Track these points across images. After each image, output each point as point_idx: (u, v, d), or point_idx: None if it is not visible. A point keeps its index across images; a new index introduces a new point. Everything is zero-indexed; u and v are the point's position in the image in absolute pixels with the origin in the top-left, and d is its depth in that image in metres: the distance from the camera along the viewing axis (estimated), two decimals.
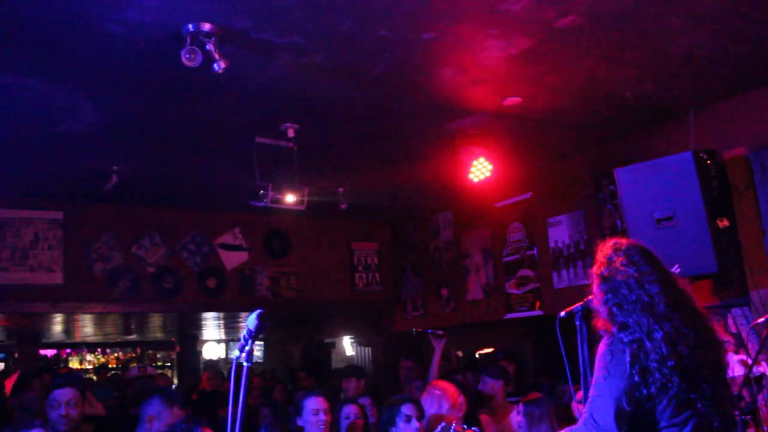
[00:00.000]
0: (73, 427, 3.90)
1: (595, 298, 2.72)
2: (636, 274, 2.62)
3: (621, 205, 5.40)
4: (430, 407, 4.47)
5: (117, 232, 7.89)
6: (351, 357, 12.86)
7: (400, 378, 7.20)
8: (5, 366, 16.08)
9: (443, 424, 2.97)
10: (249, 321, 2.45)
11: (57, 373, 7.92)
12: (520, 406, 4.09)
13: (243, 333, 2.47)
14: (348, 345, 13.04)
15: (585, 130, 6.01)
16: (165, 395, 3.99)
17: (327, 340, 13.43)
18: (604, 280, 2.67)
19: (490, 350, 9.93)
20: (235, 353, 2.49)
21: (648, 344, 2.48)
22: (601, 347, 2.61)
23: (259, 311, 2.46)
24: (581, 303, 3.00)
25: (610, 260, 2.69)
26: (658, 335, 2.49)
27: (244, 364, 2.43)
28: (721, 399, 2.54)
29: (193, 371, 14.71)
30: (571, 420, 3.09)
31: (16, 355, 15.26)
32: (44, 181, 6.85)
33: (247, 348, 2.45)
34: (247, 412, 2.94)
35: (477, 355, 10.05)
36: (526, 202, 7.43)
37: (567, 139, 6.27)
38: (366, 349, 11.89)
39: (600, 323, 2.67)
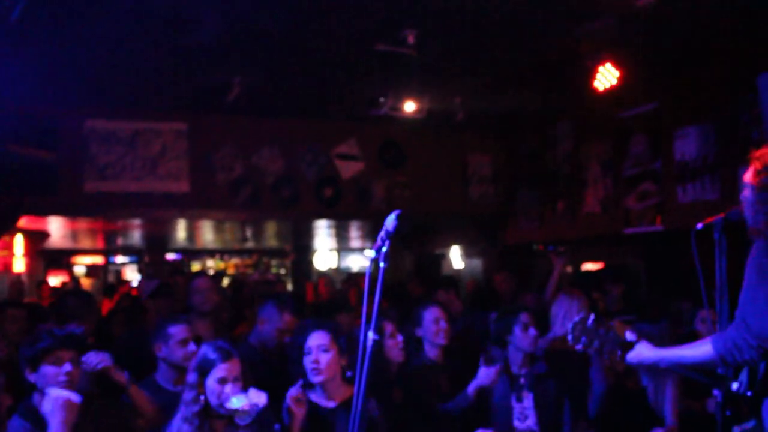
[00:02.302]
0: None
1: (748, 206, 2.58)
2: None
3: (763, 113, 5.04)
4: (560, 309, 4.55)
5: (238, 142, 8.14)
6: (460, 269, 12.98)
7: (499, 293, 7.08)
8: (138, 267, 17.28)
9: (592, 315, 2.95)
10: (388, 221, 2.46)
11: (187, 274, 8.41)
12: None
13: (380, 233, 2.50)
14: (458, 257, 13.14)
15: (724, 34, 5.58)
16: (278, 301, 4.19)
17: (438, 251, 13.57)
18: (763, 188, 2.53)
19: (596, 266, 9.77)
20: (371, 253, 2.52)
21: None
22: (754, 252, 2.50)
23: (398, 211, 2.48)
24: (722, 215, 2.87)
25: (765, 167, 2.54)
26: None
27: (381, 264, 2.47)
28: None
29: (306, 278, 15.29)
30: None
31: (146, 259, 16.37)
32: (171, 92, 7.11)
33: (384, 249, 2.48)
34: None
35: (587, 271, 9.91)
36: (652, 112, 7.06)
37: (703, 43, 5.85)
38: (476, 261, 11.94)
39: (751, 232, 2.55)
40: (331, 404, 3.20)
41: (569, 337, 2.98)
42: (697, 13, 5.12)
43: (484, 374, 3.68)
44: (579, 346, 2.94)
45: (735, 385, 2.62)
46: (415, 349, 4.14)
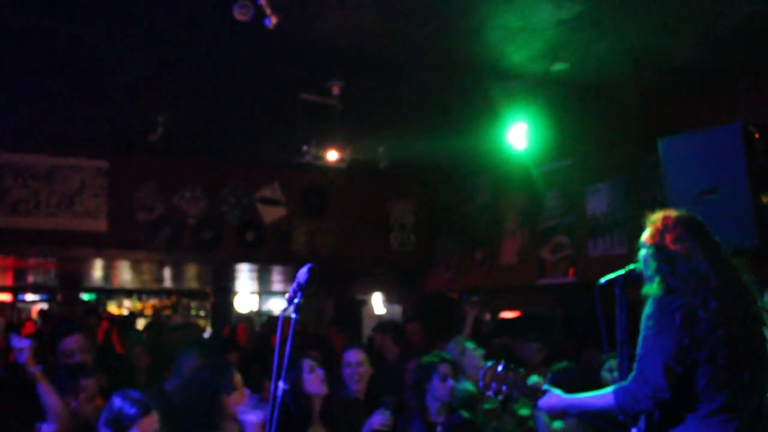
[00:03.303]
0: None
1: (646, 266, 2.76)
2: (691, 246, 2.66)
3: (664, 175, 5.36)
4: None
5: (159, 182, 8.05)
6: (381, 315, 13.04)
7: (410, 341, 7.23)
8: (48, 308, 16.61)
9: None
10: (299, 274, 2.54)
11: (101, 315, 8.16)
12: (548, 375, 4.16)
13: (293, 285, 2.57)
14: (379, 303, 13.21)
15: (630, 99, 5.95)
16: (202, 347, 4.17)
17: (359, 297, 13.61)
18: (658, 249, 2.71)
19: (513, 314, 10.01)
20: (282, 306, 2.59)
21: (701, 313, 2.52)
22: (649, 308, 2.66)
23: (309, 265, 2.55)
24: (623, 270, 3.05)
25: (664, 230, 2.73)
26: (712, 305, 2.53)
27: (292, 316, 2.53)
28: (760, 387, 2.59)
29: (226, 321, 15.02)
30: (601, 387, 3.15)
31: (59, 298, 15.76)
32: (92, 130, 7.00)
33: (295, 300, 2.55)
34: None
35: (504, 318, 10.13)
36: (565, 168, 7.40)
37: (611, 106, 6.21)
38: (396, 307, 12.04)
39: (646, 289, 2.72)
40: None
41: (480, 384, 3.09)
42: (605, 80, 5.45)
43: (370, 420, 3.77)
44: (489, 392, 3.05)
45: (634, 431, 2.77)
46: (337, 385, 4.19)
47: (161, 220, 8.03)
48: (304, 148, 5.65)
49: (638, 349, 2.67)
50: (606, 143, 6.85)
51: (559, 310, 9.00)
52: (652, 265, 2.73)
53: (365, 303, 13.59)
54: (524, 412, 4.48)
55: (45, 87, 5.61)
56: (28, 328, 10.70)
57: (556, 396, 2.95)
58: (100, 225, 7.71)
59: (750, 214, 4.71)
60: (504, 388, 3.02)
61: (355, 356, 4.25)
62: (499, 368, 3.06)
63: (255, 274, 13.30)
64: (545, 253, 7.65)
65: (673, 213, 2.81)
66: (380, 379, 4.79)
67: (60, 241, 7.64)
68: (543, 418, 3.76)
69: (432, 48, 4.81)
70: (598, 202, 7.00)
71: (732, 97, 5.52)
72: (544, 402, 2.97)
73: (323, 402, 3.91)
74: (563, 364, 4.23)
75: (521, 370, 3.13)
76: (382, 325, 7.29)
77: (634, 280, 2.97)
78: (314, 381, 3.89)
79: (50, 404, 3.15)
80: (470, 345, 5.16)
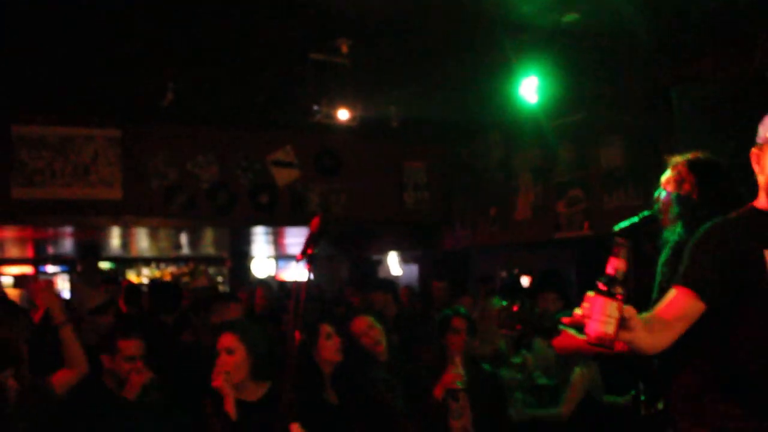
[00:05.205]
0: None
1: (667, 210, 2.74)
2: (708, 191, 2.64)
3: (677, 125, 5.31)
4: None
5: (172, 149, 8.09)
6: (397, 275, 13.11)
7: (434, 299, 7.30)
8: (69, 278, 16.82)
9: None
10: (312, 224, 2.52)
11: (120, 284, 8.26)
12: None
13: (306, 237, 2.55)
14: (395, 262, 13.27)
15: (645, 50, 5.85)
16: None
17: (375, 257, 13.68)
18: (679, 195, 2.69)
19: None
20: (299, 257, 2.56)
21: None
22: (665, 254, 2.64)
23: (320, 214, 2.55)
24: (637, 218, 3.03)
25: (686, 175, 2.70)
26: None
27: (308, 266, 2.51)
28: None
29: (244, 286, 15.14)
30: None
31: (78, 268, 15.94)
32: (103, 100, 7.01)
33: (309, 251, 2.52)
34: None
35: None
36: (579, 122, 7.33)
37: (625, 58, 6.12)
38: (414, 266, 12.10)
39: (666, 234, 2.70)
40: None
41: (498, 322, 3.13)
42: (618, 31, 5.36)
43: (443, 380, 3.82)
44: (505, 330, 3.09)
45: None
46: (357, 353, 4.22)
47: (176, 186, 8.08)
48: (315, 108, 5.62)
49: (653, 296, 2.66)
50: (619, 95, 6.78)
51: (575, 267, 9.00)
52: (674, 210, 2.70)
53: (381, 262, 13.66)
54: (542, 381, 4.51)
55: (54, 55, 5.60)
56: None
57: (570, 336, 2.96)
58: (116, 193, 7.78)
59: None
60: (520, 326, 3.05)
61: (361, 324, 4.25)
62: (515, 307, 3.08)
63: (271, 238, 13.39)
64: (560, 208, 7.63)
65: (696, 157, 2.77)
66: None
67: (76, 210, 7.74)
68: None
69: (441, 2, 4.74)
70: (612, 155, 6.95)
71: (750, 47, 5.41)
72: (558, 341, 3.00)
73: (336, 369, 3.93)
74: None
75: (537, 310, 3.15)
76: (382, 283, 7.35)
77: (649, 229, 2.94)
78: (330, 348, 3.90)
79: (71, 350, 3.22)
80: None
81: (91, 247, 14.47)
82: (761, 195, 2.23)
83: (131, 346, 3.38)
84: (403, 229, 10.19)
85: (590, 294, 1.89)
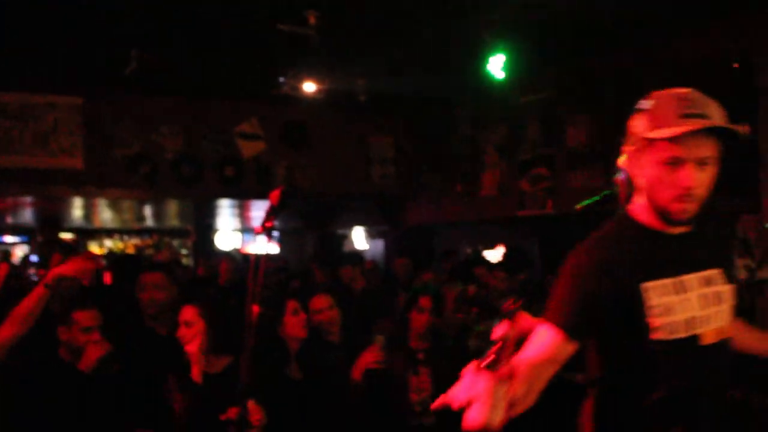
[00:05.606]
0: None
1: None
2: None
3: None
4: None
5: (136, 119, 7.94)
6: (363, 250, 13.14)
7: (398, 275, 7.37)
8: (30, 249, 16.53)
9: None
10: (271, 197, 2.48)
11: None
12: None
13: (266, 209, 2.51)
14: (360, 237, 13.29)
15: (614, 28, 5.89)
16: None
17: (340, 232, 13.68)
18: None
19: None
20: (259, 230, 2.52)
21: None
22: None
23: (281, 187, 2.52)
24: (599, 197, 3.07)
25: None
26: None
27: (267, 239, 2.47)
28: None
29: (209, 259, 15.04)
30: None
31: (39, 239, 15.66)
32: (65, 66, 6.84)
33: (268, 224, 2.48)
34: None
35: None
36: (545, 99, 7.37)
37: (593, 35, 6.15)
38: (379, 241, 12.13)
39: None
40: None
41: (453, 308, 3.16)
42: (587, 6, 5.38)
43: (362, 359, 3.84)
44: (461, 314, 3.13)
45: None
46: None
47: (139, 156, 7.95)
48: (281, 80, 5.56)
49: None
50: (587, 74, 6.82)
51: (538, 242, 9.12)
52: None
53: (347, 237, 13.67)
54: None
55: (14, 22, 5.45)
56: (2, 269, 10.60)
57: (527, 318, 3.00)
58: (77, 163, 7.63)
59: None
60: (473, 311, 3.09)
61: (319, 302, 4.28)
62: (470, 292, 3.12)
63: (236, 211, 13.29)
64: (524, 185, 7.69)
65: None
66: (350, 311, 4.85)
67: (36, 180, 7.57)
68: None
69: None
70: (578, 134, 7.01)
71: (726, 27, 5.46)
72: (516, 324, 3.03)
73: (301, 345, 3.95)
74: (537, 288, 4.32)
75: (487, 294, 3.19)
76: (351, 257, 7.37)
77: (608, 208, 2.99)
78: (296, 324, 3.92)
79: (32, 310, 3.09)
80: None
81: (51, 218, 14.20)
82: (638, 199, 2.10)
83: (87, 317, 3.33)
84: (369, 204, 10.19)
85: (473, 369, 1.62)
